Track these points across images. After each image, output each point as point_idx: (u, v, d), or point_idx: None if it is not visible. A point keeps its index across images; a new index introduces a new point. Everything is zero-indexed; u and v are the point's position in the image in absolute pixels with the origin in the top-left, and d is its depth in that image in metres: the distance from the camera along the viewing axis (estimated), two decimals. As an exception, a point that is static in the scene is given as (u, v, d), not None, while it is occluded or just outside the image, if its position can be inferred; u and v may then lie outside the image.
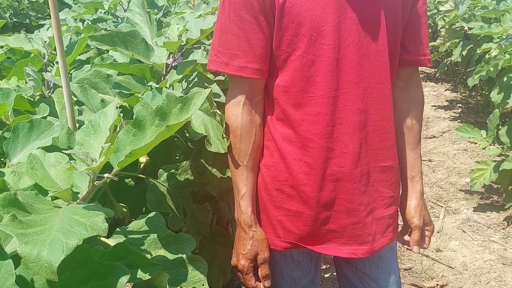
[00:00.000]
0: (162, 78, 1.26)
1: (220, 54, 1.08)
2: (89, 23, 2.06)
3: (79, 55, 1.88)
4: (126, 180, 1.38)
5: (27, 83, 1.31)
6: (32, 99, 1.38)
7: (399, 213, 1.26)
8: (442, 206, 3.27)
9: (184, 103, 0.79)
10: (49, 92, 1.39)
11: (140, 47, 1.24)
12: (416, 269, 2.63)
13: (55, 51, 1.63)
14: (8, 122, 1.17)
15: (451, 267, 2.62)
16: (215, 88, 1.27)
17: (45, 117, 1.14)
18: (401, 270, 2.61)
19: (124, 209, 1.23)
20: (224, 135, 1.12)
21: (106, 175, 0.79)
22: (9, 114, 1.19)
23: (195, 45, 1.46)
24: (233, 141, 1.13)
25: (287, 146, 1.12)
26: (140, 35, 1.24)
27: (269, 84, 1.12)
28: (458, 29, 4.39)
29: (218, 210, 1.57)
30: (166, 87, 1.22)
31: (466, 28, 4.04)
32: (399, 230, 1.27)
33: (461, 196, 3.40)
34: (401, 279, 2.55)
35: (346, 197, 1.12)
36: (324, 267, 2.57)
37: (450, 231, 2.98)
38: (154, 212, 0.89)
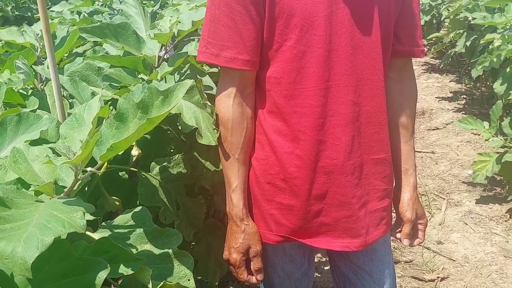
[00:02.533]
0: (154, 71, 1.25)
1: (210, 45, 1.07)
2: (86, 15, 2.05)
3: (76, 47, 1.87)
4: (120, 173, 1.38)
5: (18, 76, 1.30)
6: (25, 93, 1.37)
7: (393, 206, 1.25)
8: (444, 198, 3.25)
9: (166, 95, 0.78)
10: (42, 85, 1.39)
11: (131, 39, 1.23)
12: (417, 261, 2.61)
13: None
14: (-2, 116, 1.17)
15: (452, 259, 2.61)
16: (207, 80, 1.26)
17: (34, 110, 1.13)
18: (402, 262, 2.60)
19: (117, 202, 1.22)
20: (214, 127, 1.11)
21: (89, 169, 0.79)
22: (0, 107, 1.19)
23: (190, 37, 1.45)
24: (224, 134, 1.11)
25: (278, 139, 1.10)
26: (131, 27, 1.23)
27: (260, 75, 1.11)
28: (462, 19, 4.33)
29: (214, 203, 1.56)
30: (157, 80, 1.21)
31: (470, 18, 3.98)
32: (392, 223, 1.26)
33: (464, 188, 3.37)
34: (402, 272, 2.54)
35: (338, 190, 1.10)
36: (323, 259, 2.56)
37: (452, 224, 2.96)
38: (141, 207, 0.88)
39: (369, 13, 1.06)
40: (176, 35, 1.24)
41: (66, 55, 1.72)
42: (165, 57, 1.26)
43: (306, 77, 1.06)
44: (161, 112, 0.75)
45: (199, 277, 1.66)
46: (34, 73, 1.31)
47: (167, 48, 1.24)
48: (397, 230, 1.27)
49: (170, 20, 1.25)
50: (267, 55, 1.08)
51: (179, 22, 1.25)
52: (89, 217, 1.26)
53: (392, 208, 1.24)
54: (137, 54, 1.23)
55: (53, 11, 2.02)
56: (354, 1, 1.05)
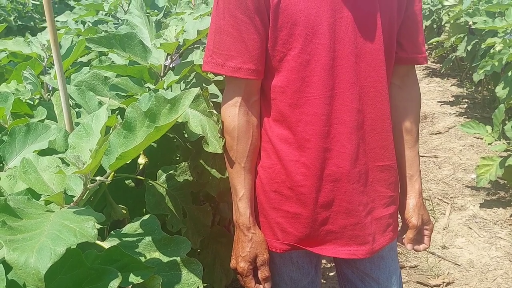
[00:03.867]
0: (160, 80, 1.26)
1: (215, 55, 1.08)
2: (90, 25, 2.07)
3: (81, 57, 1.89)
4: (126, 182, 1.39)
5: (25, 86, 1.32)
6: (32, 103, 1.38)
7: (398, 212, 1.25)
8: (448, 203, 3.25)
9: (173, 103, 0.79)
10: (48, 95, 1.40)
11: (137, 49, 1.24)
12: (422, 266, 2.61)
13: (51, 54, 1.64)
14: (6, 126, 1.18)
15: (457, 264, 2.60)
16: (213, 88, 1.27)
17: (42, 120, 1.14)
18: (407, 267, 2.60)
19: (123, 210, 1.23)
20: (219, 135, 1.11)
21: (98, 178, 0.79)
22: (8, 117, 1.20)
23: (195, 45, 1.46)
24: (230, 143, 1.12)
25: (284, 147, 1.11)
26: (138, 37, 1.24)
27: (265, 84, 1.12)
28: (462, 24, 4.35)
29: (219, 210, 1.57)
30: (164, 88, 1.22)
31: (470, 22, 4.00)
32: (398, 229, 1.26)
33: (467, 192, 3.37)
34: (407, 277, 2.54)
35: (345, 197, 1.11)
36: (328, 265, 2.56)
37: (456, 228, 2.96)
38: (149, 215, 0.89)
39: (371, 22, 1.07)
40: (181, 44, 1.25)
41: (70, 64, 1.74)
42: (170, 66, 1.27)
43: (310, 85, 1.07)
44: (169, 120, 0.76)
45: (205, 284, 1.66)
46: (41, 83, 1.33)
47: (173, 57, 1.26)
48: (403, 236, 1.27)
49: (175, 29, 1.26)
50: (271, 64, 1.09)
51: (184, 31, 1.26)
52: (97, 225, 1.28)
53: (398, 214, 1.24)
54: (143, 64, 1.24)
55: (58, 21, 2.04)
56: (357, 10, 1.06)
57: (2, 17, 4.10)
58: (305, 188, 1.10)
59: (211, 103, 1.16)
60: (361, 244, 1.13)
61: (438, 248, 2.75)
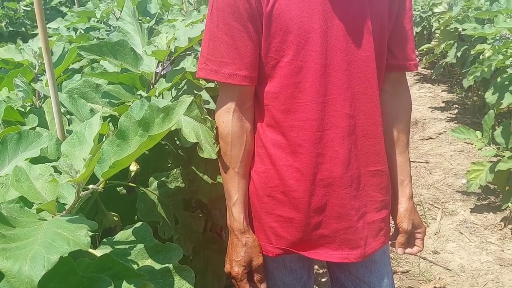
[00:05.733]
0: (151, 87, 1.26)
1: (209, 62, 1.09)
2: (82, 32, 2.07)
3: (73, 63, 1.89)
4: (118, 189, 1.38)
5: (17, 94, 1.31)
6: (23, 110, 1.38)
7: (391, 216, 1.26)
8: (439, 208, 3.27)
9: (166, 113, 0.80)
10: (40, 102, 1.39)
11: (128, 56, 1.25)
12: (414, 271, 2.62)
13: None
14: (-3, 134, 1.17)
15: (448, 269, 2.62)
16: (205, 95, 1.28)
17: (34, 128, 1.14)
18: (398, 273, 2.61)
19: (115, 218, 1.23)
20: (213, 141, 1.12)
21: (91, 186, 0.80)
22: (-1, 125, 1.20)
23: (186, 52, 1.47)
24: (224, 148, 1.13)
25: (278, 152, 1.12)
26: (129, 44, 1.25)
27: (259, 90, 1.13)
28: (452, 30, 4.40)
29: (211, 216, 1.57)
30: (155, 96, 1.22)
31: (460, 29, 4.05)
32: (391, 234, 1.27)
33: (458, 197, 3.40)
34: (399, 282, 2.55)
35: (337, 202, 1.12)
36: (320, 271, 2.57)
37: (447, 233, 2.98)
38: (141, 222, 0.89)
39: (363, 29, 1.09)
40: (173, 51, 1.26)
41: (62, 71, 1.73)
42: (162, 73, 1.27)
43: (303, 91, 1.08)
44: (162, 129, 0.77)
45: (198, 291, 1.66)
46: (32, 90, 1.32)
47: (164, 64, 1.26)
48: (395, 240, 1.28)
49: (166, 36, 1.27)
50: (265, 70, 1.10)
51: (176, 39, 1.27)
52: (90, 233, 1.27)
53: (391, 219, 1.25)
54: (135, 71, 1.24)
55: (49, 27, 2.04)
56: (349, 18, 1.07)
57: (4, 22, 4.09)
58: (298, 193, 1.11)
59: (204, 109, 1.17)
60: (353, 248, 1.14)
61: (430, 253, 2.77)
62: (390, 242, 1.27)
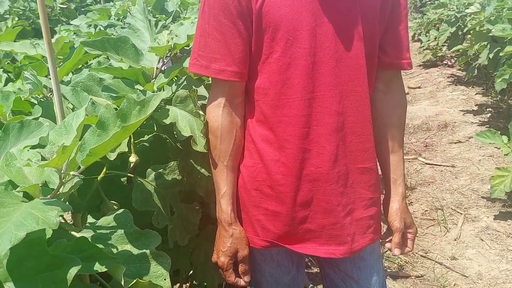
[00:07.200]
0: (151, 82, 1.31)
1: (200, 57, 1.12)
2: (102, 28, 2.15)
3: (92, 59, 1.97)
4: (122, 179, 1.44)
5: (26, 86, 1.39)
6: (35, 102, 1.45)
7: (384, 215, 1.26)
8: (461, 213, 3.19)
9: (142, 105, 0.83)
10: (50, 95, 1.47)
11: (130, 52, 1.30)
12: (428, 276, 2.58)
13: (58, 56, 1.71)
14: (5, 123, 1.25)
15: (465, 275, 2.56)
16: (202, 90, 1.31)
17: (37, 118, 1.21)
18: (412, 277, 2.57)
19: (115, 206, 1.28)
20: (202, 135, 1.15)
21: (72, 172, 0.84)
22: (7, 115, 1.27)
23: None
24: (214, 142, 1.16)
25: (266, 147, 1.14)
26: (130, 40, 1.30)
27: (249, 86, 1.15)
28: (484, 31, 4.27)
29: (209, 210, 1.60)
30: (154, 90, 1.27)
31: (493, 30, 3.92)
32: (382, 233, 1.27)
33: (483, 203, 3.30)
34: (412, 286, 2.51)
35: (323, 197, 1.13)
36: (314, 271, 2.56)
37: (468, 239, 2.90)
38: (123, 209, 0.93)
39: (353, 27, 1.09)
40: (173, 48, 1.30)
41: (80, 66, 1.81)
42: (162, 69, 1.32)
43: (291, 88, 1.10)
44: (136, 120, 0.81)
45: (197, 283, 1.70)
46: (41, 83, 1.40)
47: (164, 60, 1.30)
48: (387, 240, 1.28)
49: (168, 34, 1.31)
50: (255, 67, 1.12)
51: (176, 36, 1.31)
52: (91, 219, 1.33)
53: (383, 217, 1.25)
54: (136, 66, 1.29)
55: (71, 24, 2.13)
56: (338, 15, 1.08)
57: (31, 20, 4.26)
58: (284, 187, 1.13)
59: (198, 104, 1.20)
60: (339, 244, 1.15)
61: (447, 259, 2.71)
62: (380, 241, 1.27)
